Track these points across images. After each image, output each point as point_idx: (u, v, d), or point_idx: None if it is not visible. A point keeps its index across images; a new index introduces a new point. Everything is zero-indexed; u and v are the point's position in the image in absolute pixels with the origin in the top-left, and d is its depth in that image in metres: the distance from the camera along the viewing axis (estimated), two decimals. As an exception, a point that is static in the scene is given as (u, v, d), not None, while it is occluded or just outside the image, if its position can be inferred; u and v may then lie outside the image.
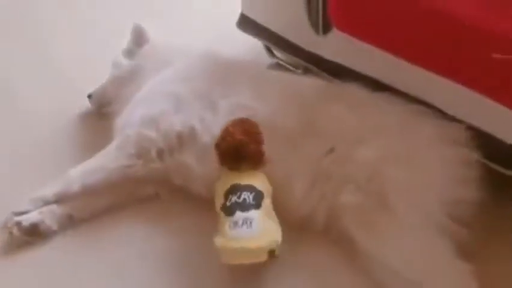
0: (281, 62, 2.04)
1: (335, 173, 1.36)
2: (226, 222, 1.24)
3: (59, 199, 1.45)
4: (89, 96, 1.83)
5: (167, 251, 1.39)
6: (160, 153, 1.49)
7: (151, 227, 1.45)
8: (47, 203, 1.44)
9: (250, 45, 2.07)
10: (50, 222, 1.41)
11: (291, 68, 1.97)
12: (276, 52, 2.05)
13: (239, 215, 1.24)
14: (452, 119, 1.41)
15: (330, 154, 1.39)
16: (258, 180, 1.34)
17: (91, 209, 1.47)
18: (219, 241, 1.24)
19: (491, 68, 1.27)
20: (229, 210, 1.26)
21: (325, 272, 1.33)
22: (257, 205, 1.27)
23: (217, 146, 1.37)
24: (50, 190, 1.46)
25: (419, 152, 1.36)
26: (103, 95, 1.80)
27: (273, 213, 1.31)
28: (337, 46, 1.65)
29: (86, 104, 1.85)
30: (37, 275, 1.34)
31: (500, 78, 1.28)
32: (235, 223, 1.23)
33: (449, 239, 1.23)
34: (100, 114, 1.81)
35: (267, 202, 1.30)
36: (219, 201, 1.31)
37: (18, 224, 1.39)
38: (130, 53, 1.81)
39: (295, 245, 1.37)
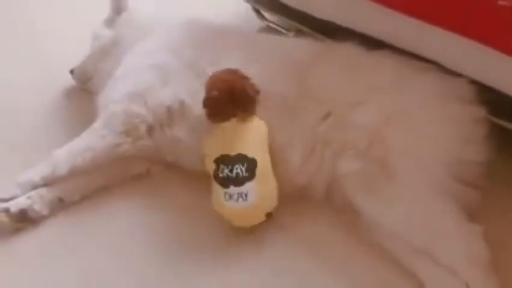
0: (272, 25, 1.97)
1: (333, 139, 1.32)
2: (221, 193, 1.28)
3: (47, 182, 1.40)
4: (71, 72, 1.76)
5: (161, 229, 1.37)
6: (150, 130, 1.44)
7: (144, 206, 1.42)
8: (35, 187, 1.39)
9: (239, 9, 2.00)
10: (40, 207, 1.37)
11: (282, 30, 1.91)
12: (266, 15, 1.97)
13: (233, 189, 1.27)
14: (455, 74, 1.35)
15: (327, 119, 1.34)
16: (249, 144, 1.31)
17: (81, 191, 1.42)
18: (216, 206, 1.31)
19: (497, 16, 1.21)
20: (222, 182, 1.28)
21: (323, 242, 1.31)
22: (250, 176, 1.28)
23: (207, 98, 1.33)
24: (37, 173, 1.40)
25: (420, 111, 1.30)
26: (84, 69, 1.73)
27: (269, 166, 1.31)
28: (328, 3, 1.57)
29: (69, 80, 1.78)
30: (29, 259, 1.31)
31: (507, 27, 1.21)
32: (230, 196, 1.27)
33: (456, 201, 1.20)
34: (85, 90, 1.74)
35: (260, 164, 1.29)
36: (209, 163, 1.32)
37: (7, 210, 1.34)
38: (110, 22, 1.73)
39: (294, 215, 1.36)
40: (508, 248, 1.22)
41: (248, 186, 1.27)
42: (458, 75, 1.34)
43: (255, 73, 1.39)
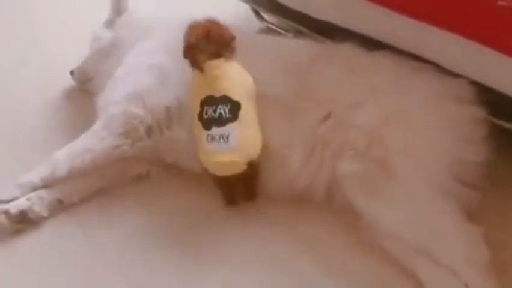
0: (271, 26, 1.96)
1: (333, 140, 1.31)
2: (204, 136, 1.30)
3: (47, 184, 1.39)
4: (71, 73, 1.76)
5: (161, 230, 1.36)
6: (149, 131, 1.43)
7: (143, 207, 1.42)
8: (34, 188, 1.39)
9: (238, 10, 1.99)
10: (40, 208, 1.37)
11: (281, 31, 1.90)
12: (265, 16, 1.96)
13: (215, 130, 1.28)
14: (454, 74, 1.34)
15: (327, 120, 1.34)
16: (233, 84, 1.33)
17: (81, 193, 1.42)
18: (199, 153, 1.32)
19: (497, 17, 1.20)
20: (205, 124, 1.30)
21: (323, 243, 1.31)
22: (233, 118, 1.29)
23: (186, 47, 1.37)
24: (36, 175, 1.40)
25: (419, 112, 1.30)
26: (84, 70, 1.72)
27: (255, 117, 1.32)
28: (327, 4, 1.56)
29: (69, 81, 1.77)
30: (29, 261, 1.31)
31: (506, 27, 1.21)
32: (212, 137, 1.28)
33: (456, 202, 1.20)
34: (84, 91, 1.73)
35: (245, 110, 1.31)
36: (195, 108, 1.33)
37: (6, 212, 1.34)
38: (110, 23, 1.72)
39: (294, 216, 1.36)
40: (508, 249, 1.22)
41: (230, 127, 1.27)
42: (458, 75, 1.33)
43: (254, 74, 1.38)
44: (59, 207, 1.39)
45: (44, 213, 1.37)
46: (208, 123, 1.29)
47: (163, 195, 1.44)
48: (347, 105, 1.32)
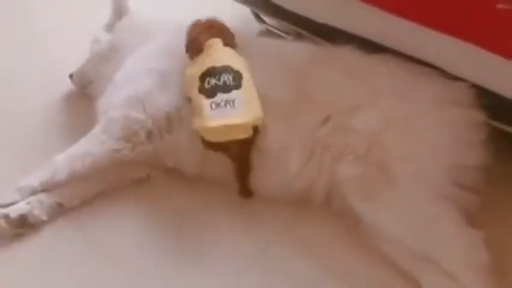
0: (271, 29, 1.96)
1: (333, 144, 1.31)
2: (207, 104, 1.29)
3: (47, 188, 1.39)
4: (71, 76, 1.75)
5: (162, 233, 1.36)
6: (149, 135, 1.42)
7: (144, 210, 1.42)
8: (34, 192, 1.39)
9: (238, 14, 1.98)
10: (39, 212, 1.36)
11: (282, 34, 1.90)
12: (265, 18, 1.96)
13: (221, 96, 1.30)
14: (454, 78, 1.34)
15: (326, 124, 1.33)
16: (232, 59, 1.38)
17: (81, 196, 1.42)
18: (199, 122, 1.30)
19: (495, 20, 1.20)
20: (209, 92, 1.31)
21: (322, 246, 1.31)
22: (237, 85, 1.32)
23: (188, 41, 1.41)
24: (36, 179, 1.40)
25: (419, 116, 1.30)
26: (84, 74, 1.72)
27: (253, 88, 1.34)
28: (327, 6, 1.56)
29: (69, 85, 1.77)
30: (29, 265, 1.30)
31: (505, 30, 1.21)
32: (218, 104, 1.29)
33: (456, 206, 1.19)
34: (84, 94, 1.73)
35: (245, 80, 1.34)
36: (193, 86, 1.34)
37: (6, 216, 1.34)
38: (111, 26, 1.71)
39: (293, 219, 1.36)
40: (508, 252, 1.21)
41: (235, 94, 1.30)
42: (457, 78, 1.33)
43: (254, 77, 1.38)
44: (59, 211, 1.39)
45: (44, 217, 1.37)
46: (212, 91, 1.30)
47: (163, 198, 1.43)
48: (347, 109, 1.32)
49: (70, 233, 1.37)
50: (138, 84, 1.46)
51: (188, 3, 2.13)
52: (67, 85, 1.77)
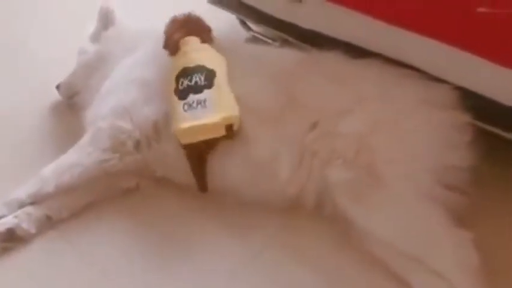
0: (257, 35, 1.96)
1: (321, 149, 1.32)
2: (180, 106, 1.31)
3: (34, 200, 1.38)
4: (57, 87, 1.74)
5: (152, 243, 1.36)
6: (137, 144, 1.42)
7: (134, 220, 1.41)
8: (21, 205, 1.37)
9: (224, 21, 1.99)
10: (28, 226, 1.35)
11: (268, 40, 1.91)
12: (251, 25, 1.97)
13: (192, 97, 1.31)
14: (438, 80, 1.36)
15: (314, 129, 1.34)
16: (207, 57, 1.39)
17: (69, 208, 1.41)
18: (174, 125, 1.31)
19: (476, 23, 1.22)
20: (181, 94, 1.32)
21: (313, 250, 1.31)
22: (209, 85, 1.32)
23: (165, 40, 1.44)
24: (23, 192, 1.39)
25: (405, 118, 1.31)
26: (70, 84, 1.71)
27: (227, 87, 1.35)
28: (313, 13, 1.57)
29: (55, 96, 1.76)
30: (18, 278, 1.29)
31: (486, 33, 1.22)
32: (190, 105, 1.30)
33: (444, 208, 1.20)
34: (71, 105, 1.72)
35: (219, 79, 1.34)
36: (171, 88, 1.35)
37: (-6, 230, 1.33)
38: (96, 37, 1.71)
39: (284, 225, 1.36)
40: (497, 253, 1.22)
41: (207, 94, 1.31)
42: (442, 81, 1.35)
43: (240, 84, 1.38)
44: (48, 223, 1.38)
45: (33, 230, 1.36)
46: (184, 93, 1.32)
47: (153, 207, 1.43)
48: (334, 114, 1.33)
49: (59, 245, 1.36)
50: (124, 95, 1.46)
51: (173, 13, 2.13)
52: (54, 96, 1.76)
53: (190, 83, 1.32)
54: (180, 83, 1.34)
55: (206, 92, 1.31)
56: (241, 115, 1.33)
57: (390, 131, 1.28)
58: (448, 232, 1.17)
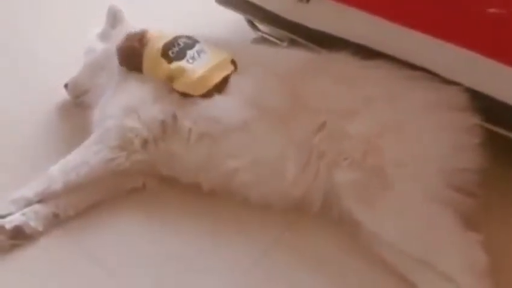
0: (265, 36, 1.96)
1: (328, 150, 1.31)
2: (184, 63, 1.41)
3: (42, 198, 1.39)
4: (66, 86, 1.74)
5: (158, 242, 1.36)
6: (144, 143, 1.42)
7: (140, 219, 1.41)
8: (29, 203, 1.38)
9: (232, 22, 1.99)
10: (35, 223, 1.36)
11: (276, 41, 1.91)
12: (259, 26, 1.97)
13: (190, 52, 1.43)
14: (448, 82, 1.35)
15: (322, 130, 1.33)
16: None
17: (76, 206, 1.41)
18: (185, 81, 1.40)
19: (487, 24, 1.22)
20: (179, 56, 1.42)
21: (320, 252, 1.31)
22: (195, 41, 1.47)
23: (124, 50, 1.50)
24: (31, 190, 1.39)
25: (414, 120, 1.30)
26: (78, 83, 1.71)
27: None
28: (321, 13, 1.57)
29: (63, 95, 1.76)
30: (25, 276, 1.30)
31: (496, 34, 1.22)
32: (192, 57, 1.42)
33: (453, 210, 1.19)
34: (79, 104, 1.72)
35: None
36: (161, 65, 1.42)
37: (1, 227, 1.33)
38: (104, 36, 1.70)
39: (290, 226, 1.37)
40: (506, 256, 1.22)
41: (198, 46, 1.45)
42: (451, 82, 1.34)
43: (248, 84, 1.39)
44: (55, 221, 1.38)
45: (40, 228, 1.36)
46: (181, 54, 1.42)
47: (158, 208, 1.43)
48: (342, 115, 1.32)
49: (66, 243, 1.36)
50: (133, 93, 1.46)
51: (181, 14, 2.14)
52: (62, 95, 1.76)
53: (179, 46, 1.44)
54: (171, 52, 1.42)
55: (198, 45, 1.45)
56: (249, 115, 1.32)
57: (398, 132, 1.28)
58: (457, 234, 1.17)
